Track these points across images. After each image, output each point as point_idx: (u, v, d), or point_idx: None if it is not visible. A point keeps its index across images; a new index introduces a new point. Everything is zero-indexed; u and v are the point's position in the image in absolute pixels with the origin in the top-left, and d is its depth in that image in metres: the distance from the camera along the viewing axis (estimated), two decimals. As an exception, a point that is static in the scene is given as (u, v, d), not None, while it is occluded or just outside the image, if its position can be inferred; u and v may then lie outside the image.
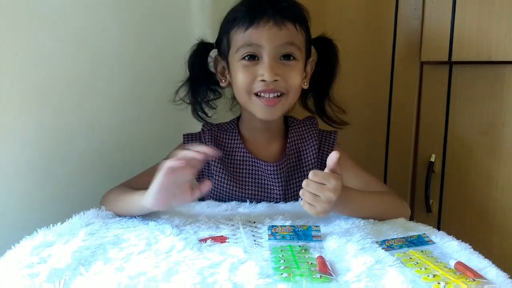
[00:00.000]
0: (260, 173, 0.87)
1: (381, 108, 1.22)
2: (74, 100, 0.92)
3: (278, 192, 0.87)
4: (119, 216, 0.78)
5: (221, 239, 0.66)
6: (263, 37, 0.78)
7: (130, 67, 1.03)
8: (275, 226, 0.71)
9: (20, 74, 0.81)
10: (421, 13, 1.12)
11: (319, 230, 0.70)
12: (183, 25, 1.16)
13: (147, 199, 0.70)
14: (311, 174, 0.69)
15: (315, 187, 0.68)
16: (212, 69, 0.91)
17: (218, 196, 0.88)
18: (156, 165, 0.91)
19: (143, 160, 0.94)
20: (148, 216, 0.77)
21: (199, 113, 0.92)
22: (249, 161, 0.88)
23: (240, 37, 0.80)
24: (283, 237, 0.68)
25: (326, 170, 0.71)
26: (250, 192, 0.88)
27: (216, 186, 0.88)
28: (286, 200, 0.87)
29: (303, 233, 0.69)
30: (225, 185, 0.88)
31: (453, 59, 1.08)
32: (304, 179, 0.70)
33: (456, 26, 1.06)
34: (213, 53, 0.92)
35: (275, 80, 0.78)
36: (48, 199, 0.88)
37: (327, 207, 0.68)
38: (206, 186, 0.71)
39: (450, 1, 1.06)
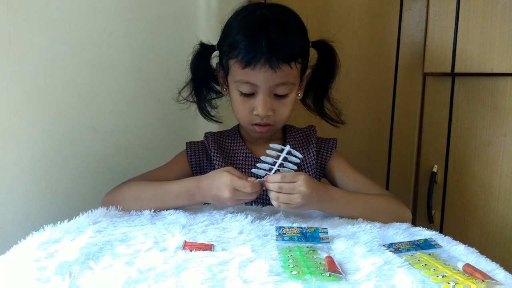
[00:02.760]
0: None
1: (384, 119, 1.24)
2: (78, 103, 0.92)
3: None
4: (142, 209, 0.80)
5: (207, 247, 0.65)
6: (259, 78, 0.81)
7: (135, 71, 1.04)
8: (282, 227, 0.71)
9: (26, 76, 0.81)
10: (424, 26, 1.14)
11: (327, 232, 0.70)
12: (188, 30, 1.18)
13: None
14: (279, 177, 0.74)
15: (289, 187, 0.74)
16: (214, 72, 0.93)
17: None
18: (168, 164, 0.92)
19: (145, 163, 0.95)
20: (155, 216, 0.78)
21: (204, 111, 0.95)
22: (251, 161, 0.89)
23: (238, 72, 0.83)
24: (291, 238, 0.68)
25: None
26: None
27: None
28: None
29: (311, 235, 0.69)
30: None
31: (456, 71, 1.10)
32: None
33: (458, 39, 1.09)
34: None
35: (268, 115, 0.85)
36: (49, 201, 0.88)
37: (302, 201, 0.74)
38: None
39: (453, 14, 1.09)
